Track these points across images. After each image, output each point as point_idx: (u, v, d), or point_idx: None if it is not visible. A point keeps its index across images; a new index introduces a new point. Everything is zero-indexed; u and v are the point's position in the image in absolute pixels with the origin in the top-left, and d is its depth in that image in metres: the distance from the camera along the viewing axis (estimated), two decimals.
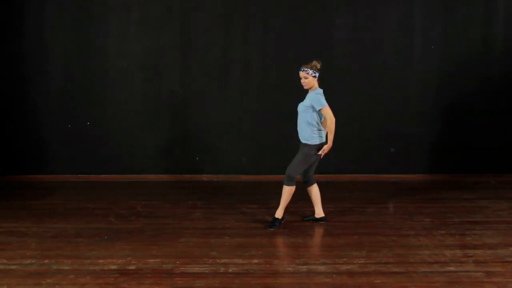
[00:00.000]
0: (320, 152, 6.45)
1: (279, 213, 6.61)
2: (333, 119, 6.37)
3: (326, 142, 6.45)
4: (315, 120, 6.46)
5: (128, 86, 9.54)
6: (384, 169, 9.64)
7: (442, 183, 9.24)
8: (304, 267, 5.28)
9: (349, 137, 9.44)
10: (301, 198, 7.19)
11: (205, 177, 9.60)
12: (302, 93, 6.67)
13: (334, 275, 5.05)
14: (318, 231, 6.50)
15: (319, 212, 6.83)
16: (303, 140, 6.52)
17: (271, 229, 6.48)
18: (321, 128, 6.50)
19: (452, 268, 5.23)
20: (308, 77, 6.47)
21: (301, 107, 6.56)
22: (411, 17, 9.52)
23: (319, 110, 6.39)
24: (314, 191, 6.80)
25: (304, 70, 6.48)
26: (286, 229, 6.52)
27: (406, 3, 9.51)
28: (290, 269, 5.24)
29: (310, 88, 6.55)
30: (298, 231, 6.45)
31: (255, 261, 5.44)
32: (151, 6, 9.45)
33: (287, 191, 6.53)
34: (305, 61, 6.57)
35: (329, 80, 9.08)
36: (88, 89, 9.51)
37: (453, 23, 9.56)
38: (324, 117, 6.43)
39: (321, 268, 5.24)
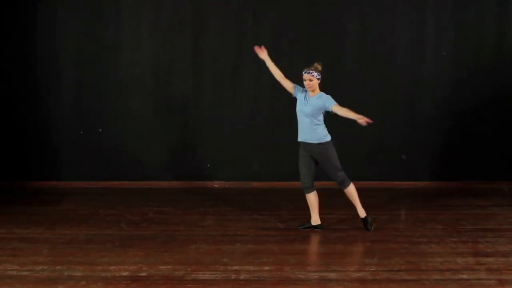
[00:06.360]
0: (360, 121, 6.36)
1: (362, 213, 6.69)
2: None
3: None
4: (322, 119, 6.53)
5: (140, 92, 9.55)
6: (395, 175, 9.58)
7: (454, 190, 9.17)
8: (316, 274, 5.27)
9: (360, 144, 9.40)
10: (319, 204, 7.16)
11: (216, 184, 9.61)
12: None
13: (346, 283, 5.04)
14: (330, 238, 6.47)
15: (316, 219, 6.73)
16: (316, 141, 6.50)
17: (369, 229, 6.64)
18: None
19: (464, 276, 5.20)
20: (313, 79, 6.45)
21: (306, 109, 6.51)
22: (422, 23, 9.48)
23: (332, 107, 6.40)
24: (313, 198, 6.71)
25: (309, 73, 6.45)
26: (298, 236, 6.50)
27: (418, 9, 9.48)
28: (301, 276, 5.23)
29: (313, 91, 6.51)
30: (310, 238, 6.44)
31: (267, 268, 5.44)
32: (163, 12, 9.49)
33: (352, 190, 6.63)
34: (307, 64, 6.59)
35: (340, 86, 9.08)
36: (100, 95, 9.53)
37: (465, 29, 9.50)
38: (333, 112, 6.41)
39: (333, 275, 5.23)
